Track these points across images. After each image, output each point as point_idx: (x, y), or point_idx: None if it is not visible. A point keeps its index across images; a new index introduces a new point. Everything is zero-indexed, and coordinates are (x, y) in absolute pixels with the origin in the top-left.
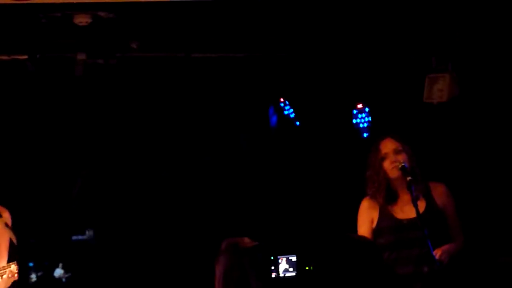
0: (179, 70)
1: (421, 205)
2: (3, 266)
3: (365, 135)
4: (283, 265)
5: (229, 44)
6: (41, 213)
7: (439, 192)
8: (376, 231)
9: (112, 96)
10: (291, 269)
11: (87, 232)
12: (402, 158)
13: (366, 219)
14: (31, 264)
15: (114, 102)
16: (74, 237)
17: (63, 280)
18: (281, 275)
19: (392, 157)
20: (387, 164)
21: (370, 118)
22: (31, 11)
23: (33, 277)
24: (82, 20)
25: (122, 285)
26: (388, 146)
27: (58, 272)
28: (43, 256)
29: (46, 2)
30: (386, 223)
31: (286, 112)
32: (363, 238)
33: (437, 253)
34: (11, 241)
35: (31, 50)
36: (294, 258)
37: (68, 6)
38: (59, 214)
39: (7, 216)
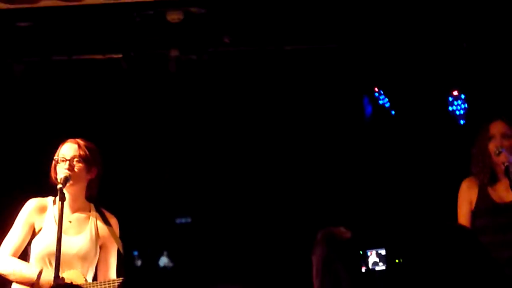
0: (271, 63)
1: None
2: (113, 280)
3: (461, 122)
4: (372, 258)
5: (321, 35)
6: (143, 200)
7: None
8: (474, 213)
9: (206, 91)
10: (380, 263)
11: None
12: (507, 144)
13: (465, 200)
14: (135, 253)
15: (208, 97)
16: (178, 220)
17: (168, 268)
18: (371, 268)
19: (498, 140)
20: (491, 146)
21: (466, 105)
22: (124, 10)
23: (138, 265)
24: (174, 17)
25: (223, 273)
26: (497, 128)
27: (163, 260)
28: (147, 244)
29: (139, 0)
30: (484, 205)
31: (381, 102)
32: (465, 228)
33: None
34: (118, 252)
35: (125, 49)
36: (383, 252)
37: (161, 4)
38: (162, 200)
39: (114, 222)
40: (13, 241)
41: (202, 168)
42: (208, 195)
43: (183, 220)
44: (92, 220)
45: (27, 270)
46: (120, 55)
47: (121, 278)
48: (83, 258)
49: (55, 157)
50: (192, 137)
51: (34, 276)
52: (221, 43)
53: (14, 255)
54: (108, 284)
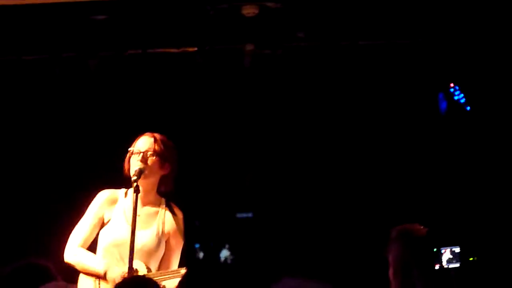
0: (346, 58)
1: None
2: (176, 270)
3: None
4: (446, 255)
5: (396, 31)
6: (205, 193)
7: None
8: None
9: (280, 86)
10: (454, 261)
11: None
12: None
13: None
14: (197, 246)
15: (281, 92)
16: (239, 215)
17: (229, 261)
18: (445, 266)
19: None
20: None
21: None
22: (199, 3)
23: (199, 258)
24: (249, 11)
25: (286, 266)
26: None
27: (224, 253)
28: (208, 237)
29: None
30: None
31: (456, 97)
32: None
33: None
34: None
35: (200, 43)
36: (457, 250)
37: None
38: (224, 194)
39: (181, 218)
40: (83, 232)
41: (273, 165)
42: (271, 191)
43: (245, 215)
44: (160, 215)
45: (92, 262)
46: (195, 49)
47: (183, 268)
48: (148, 252)
49: (130, 149)
50: (263, 132)
51: (97, 268)
52: (296, 38)
53: (83, 246)
54: (172, 273)
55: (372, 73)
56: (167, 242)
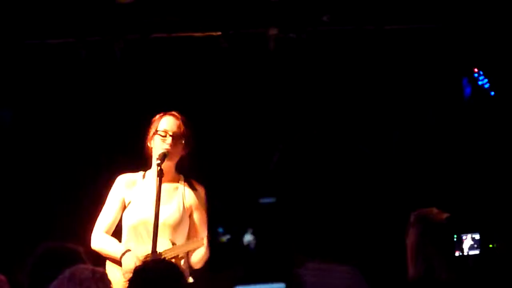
0: (370, 42)
1: None
2: (197, 239)
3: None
4: (468, 242)
5: (420, 16)
6: (229, 178)
7: None
8: None
9: (304, 70)
10: (475, 247)
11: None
12: None
13: None
14: (220, 230)
15: (306, 76)
16: (262, 200)
17: (251, 246)
18: (465, 253)
19: None
20: None
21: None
22: None
23: (223, 241)
24: None
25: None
26: None
27: (247, 238)
28: (231, 221)
29: None
30: None
31: (480, 83)
32: None
33: None
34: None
35: (224, 27)
36: (477, 236)
37: None
38: (248, 179)
39: (202, 191)
40: (106, 218)
41: (297, 149)
42: (294, 175)
43: (268, 200)
44: (180, 190)
45: (113, 248)
46: (219, 33)
47: (203, 237)
48: (173, 226)
49: (157, 129)
50: (288, 116)
51: (118, 254)
52: (320, 22)
53: (107, 231)
54: (193, 242)
55: (396, 58)
56: (190, 216)
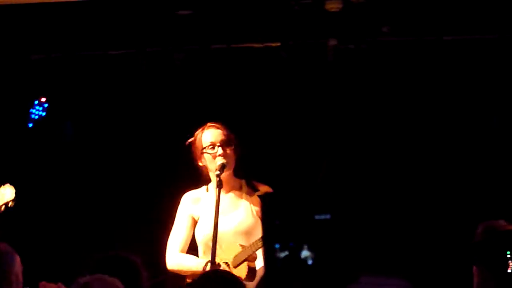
0: (430, 53)
1: None
2: (255, 242)
3: None
4: None
5: (482, 26)
6: (285, 194)
7: None
8: None
9: (364, 81)
10: None
11: None
12: None
13: None
14: (277, 246)
15: (365, 87)
16: (317, 216)
17: (309, 262)
18: None
19: None
20: None
21: None
22: None
23: (280, 258)
24: (333, 6)
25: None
26: None
27: (304, 253)
28: (288, 237)
29: None
30: None
31: None
32: None
33: None
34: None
35: (284, 38)
36: None
37: None
38: (303, 195)
39: (267, 190)
40: (178, 237)
41: (353, 162)
42: (347, 190)
43: (323, 217)
44: (245, 195)
45: (192, 264)
46: (279, 44)
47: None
48: (245, 232)
49: (203, 147)
50: (345, 129)
51: (200, 266)
52: (380, 33)
53: (182, 250)
54: (253, 246)
55: (457, 69)
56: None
